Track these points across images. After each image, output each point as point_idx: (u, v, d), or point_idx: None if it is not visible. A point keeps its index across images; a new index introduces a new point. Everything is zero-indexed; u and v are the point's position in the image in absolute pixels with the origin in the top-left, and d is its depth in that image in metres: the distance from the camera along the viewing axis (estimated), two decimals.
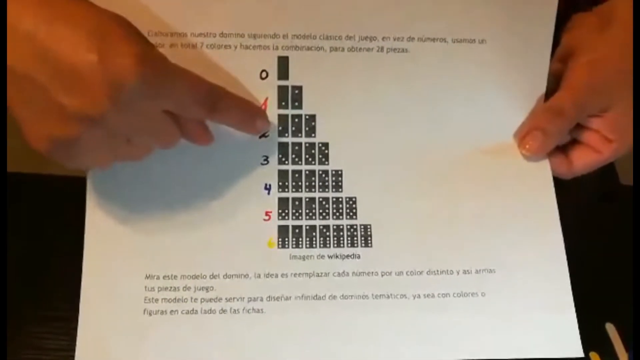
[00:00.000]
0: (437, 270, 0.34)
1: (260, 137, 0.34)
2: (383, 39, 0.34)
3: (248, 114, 0.32)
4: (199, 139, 0.31)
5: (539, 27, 0.35)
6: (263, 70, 0.34)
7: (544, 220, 0.35)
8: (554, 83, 0.36)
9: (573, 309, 0.34)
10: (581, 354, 0.33)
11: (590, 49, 0.35)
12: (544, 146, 0.35)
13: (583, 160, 0.36)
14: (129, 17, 0.27)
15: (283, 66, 0.34)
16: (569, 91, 0.35)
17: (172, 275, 0.32)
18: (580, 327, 0.33)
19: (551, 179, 0.36)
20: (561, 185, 0.36)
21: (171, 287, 0.32)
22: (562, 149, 0.36)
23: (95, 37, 0.25)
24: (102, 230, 0.33)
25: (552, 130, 0.35)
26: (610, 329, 0.40)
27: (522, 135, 0.35)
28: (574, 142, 0.37)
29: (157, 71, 0.26)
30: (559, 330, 0.33)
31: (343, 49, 0.34)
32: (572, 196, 0.37)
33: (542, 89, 0.36)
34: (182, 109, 0.28)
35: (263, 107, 0.34)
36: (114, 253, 0.33)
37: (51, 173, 0.41)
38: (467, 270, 0.34)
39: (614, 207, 0.53)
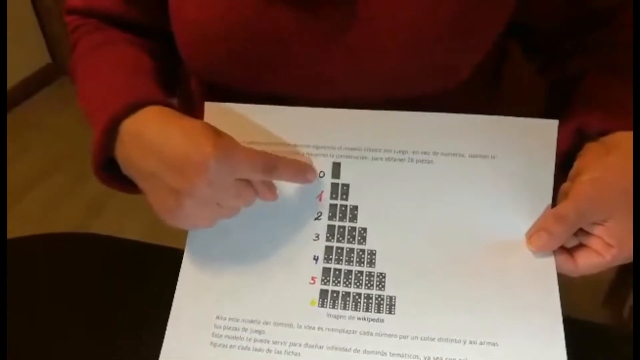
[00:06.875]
0: (448, 339, 0.40)
1: (314, 219, 0.44)
2: (413, 152, 0.44)
3: (298, 170, 0.43)
4: (266, 196, 0.43)
5: (543, 148, 0.43)
6: (321, 171, 0.45)
7: (546, 307, 0.40)
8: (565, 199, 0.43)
9: None
10: None
11: (593, 170, 0.42)
12: (548, 245, 0.41)
13: (586, 261, 0.41)
14: (243, 127, 0.40)
15: (336, 169, 0.45)
16: (571, 201, 0.41)
17: (235, 319, 0.42)
18: None
19: (554, 273, 0.41)
20: None
21: (233, 327, 0.42)
22: (569, 251, 0.42)
23: (187, 139, 0.39)
24: (192, 282, 0.44)
25: (555, 231, 0.41)
26: None
27: (530, 234, 0.42)
28: (580, 245, 0.42)
29: (227, 153, 0.38)
30: None
31: (382, 159, 0.45)
32: None
33: (548, 199, 0.43)
34: (249, 175, 0.40)
35: (319, 199, 0.45)
36: (197, 298, 0.43)
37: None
38: (473, 342, 0.39)
39: None
